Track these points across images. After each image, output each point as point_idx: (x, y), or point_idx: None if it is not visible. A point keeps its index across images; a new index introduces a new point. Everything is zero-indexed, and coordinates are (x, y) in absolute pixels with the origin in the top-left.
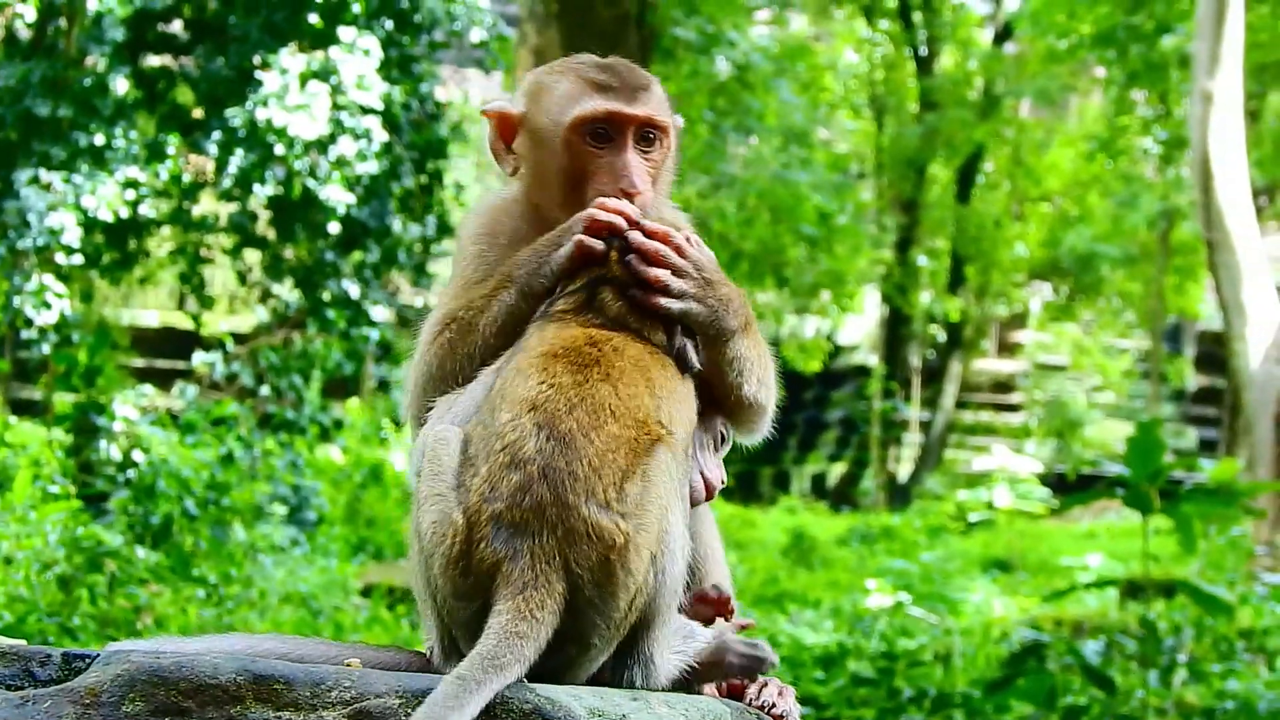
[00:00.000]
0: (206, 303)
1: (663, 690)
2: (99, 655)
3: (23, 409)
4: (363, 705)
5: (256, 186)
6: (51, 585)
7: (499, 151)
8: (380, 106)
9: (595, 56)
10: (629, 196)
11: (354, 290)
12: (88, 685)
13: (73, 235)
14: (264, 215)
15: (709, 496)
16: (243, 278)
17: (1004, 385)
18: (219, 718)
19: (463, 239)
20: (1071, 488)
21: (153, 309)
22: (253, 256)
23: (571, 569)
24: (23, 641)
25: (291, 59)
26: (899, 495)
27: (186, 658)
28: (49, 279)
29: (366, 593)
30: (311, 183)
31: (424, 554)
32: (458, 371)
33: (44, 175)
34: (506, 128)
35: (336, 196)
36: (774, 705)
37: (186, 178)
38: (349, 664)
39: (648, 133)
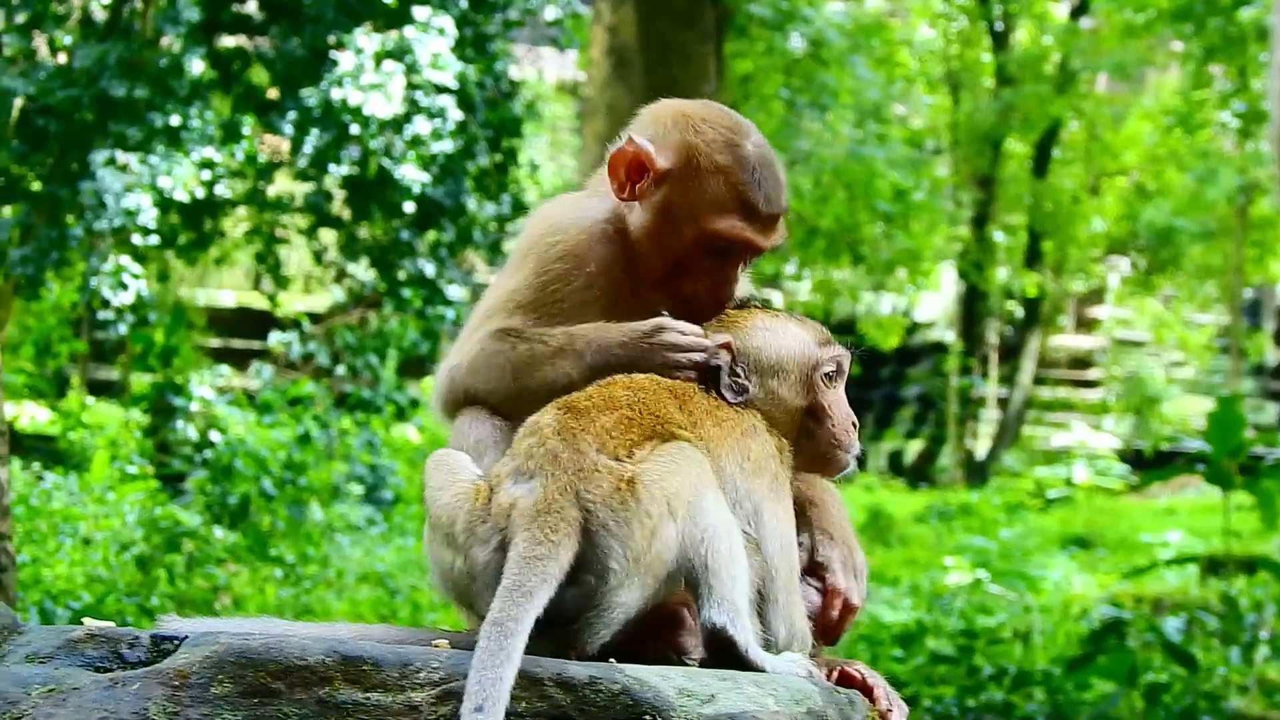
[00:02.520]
0: (282, 283)
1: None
2: (188, 637)
3: (100, 390)
4: (451, 686)
5: (332, 166)
6: (130, 565)
7: (619, 177)
8: (455, 85)
9: (753, 147)
10: (719, 308)
11: (429, 269)
12: (177, 667)
13: (149, 216)
14: (339, 195)
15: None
16: (318, 257)
17: (1082, 361)
18: (308, 699)
19: (546, 242)
20: (1150, 464)
21: (228, 289)
22: (328, 236)
23: (583, 496)
24: (111, 624)
25: (366, 38)
26: (977, 472)
27: (275, 639)
28: (125, 260)
29: None
30: (386, 162)
31: (446, 524)
32: (493, 393)
33: (120, 156)
34: (638, 169)
35: (411, 176)
36: (890, 710)
37: (262, 158)
38: (436, 645)
39: (764, 254)
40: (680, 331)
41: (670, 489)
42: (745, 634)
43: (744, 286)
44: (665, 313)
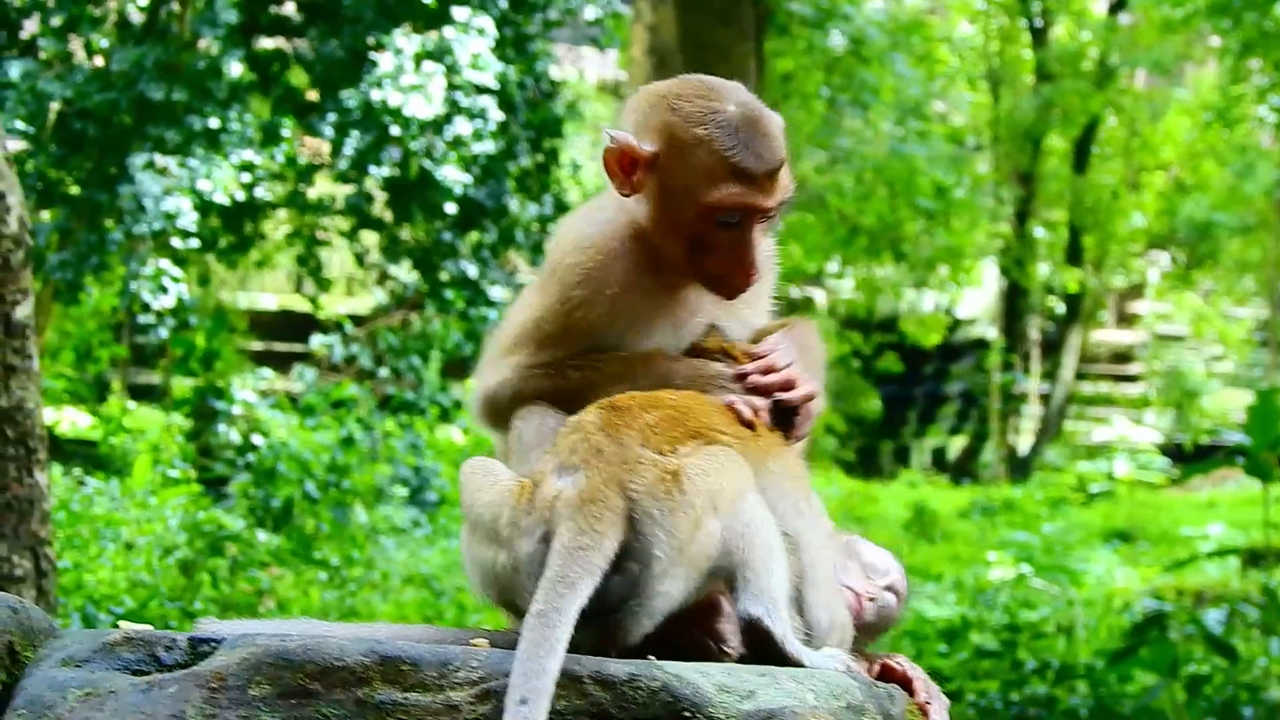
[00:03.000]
0: (324, 285)
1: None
2: (225, 639)
3: (142, 394)
4: (490, 685)
5: (372, 168)
6: (173, 570)
7: (615, 174)
8: (495, 86)
9: (734, 108)
10: (747, 278)
11: (472, 270)
12: (214, 669)
13: (188, 219)
14: (380, 197)
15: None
16: (360, 259)
17: (1123, 356)
18: (346, 700)
19: (566, 265)
20: (1191, 457)
21: (270, 292)
22: (370, 238)
23: (628, 487)
24: (149, 626)
25: (405, 40)
26: (1019, 467)
27: (313, 640)
28: (165, 263)
29: None
30: (428, 163)
31: (489, 521)
32: (529, 420)
33: (159, 160)
34: (628, 162)
35: (453, 177)
36: (930, 701)
37: (302, 160)
38: (475, 644)
39: (773, 212)
40: (729, 379)
41: (713, 485)
42: (783, 626)
43: (767, 252)
44: (719, 353)
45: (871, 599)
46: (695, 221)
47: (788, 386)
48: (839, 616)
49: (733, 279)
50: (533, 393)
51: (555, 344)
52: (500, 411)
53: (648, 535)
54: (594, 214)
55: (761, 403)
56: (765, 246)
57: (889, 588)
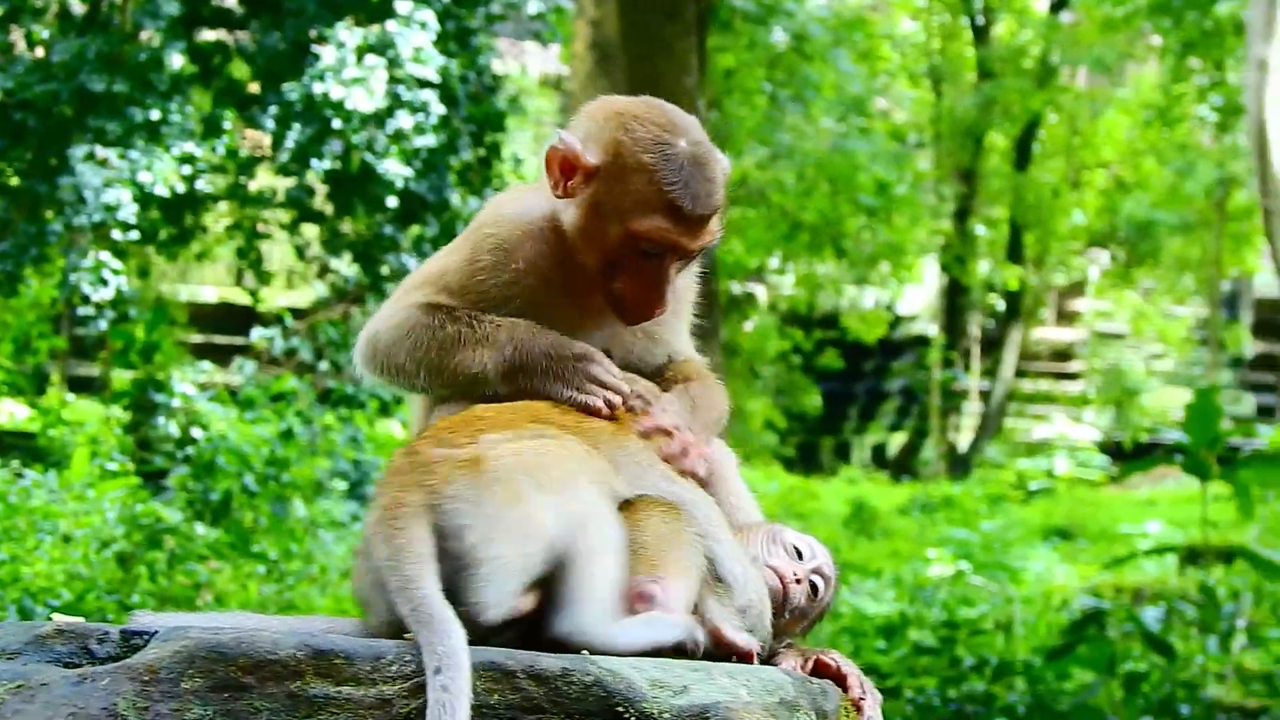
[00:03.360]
0: (264, 278)
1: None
2: (157, 632)
3: (81, 386)
4: (424, 680)
5: (314, 161)
6: (110, 563)
7: (554, 174)
8: (437, 80)
9: (685, 145)
10: (650, 310)
11: (412, 264)
12: (146, 662)
13: (129, 211)
14: (321, 190)
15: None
16: (301, 252)
17: (1063, 354)
18: (279, 693)
19: (483, 233)
20: (1130, 455)
21: (210, 285)
22: (310, 231)
23: (423, 483)
24: (80, 619)
25: (348, 32)
26: (959, 464)
27: (246, 633)
28: (106, 255)
29: None
30: (369, 157)
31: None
32: (408, 363)
33: (100, 151)
34: (569, 167)
35: (394, 170)
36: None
37: (243, 153)
38: (408, 638)
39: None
40: (607, 369)
41: (527, 463)
42: (600, 634)
43: (688, 286)
44: (606, 352)
45: (799, 580)
46: (618, 243)
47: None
48: (752, 578)
49: (636, 307)
50: (411, 339)
51: (450, 295)
52: (378, 349)
53: (451, 512)
54: (524, 196)
55: (616, 399)
56: (686, 277)
57: (816, 570)
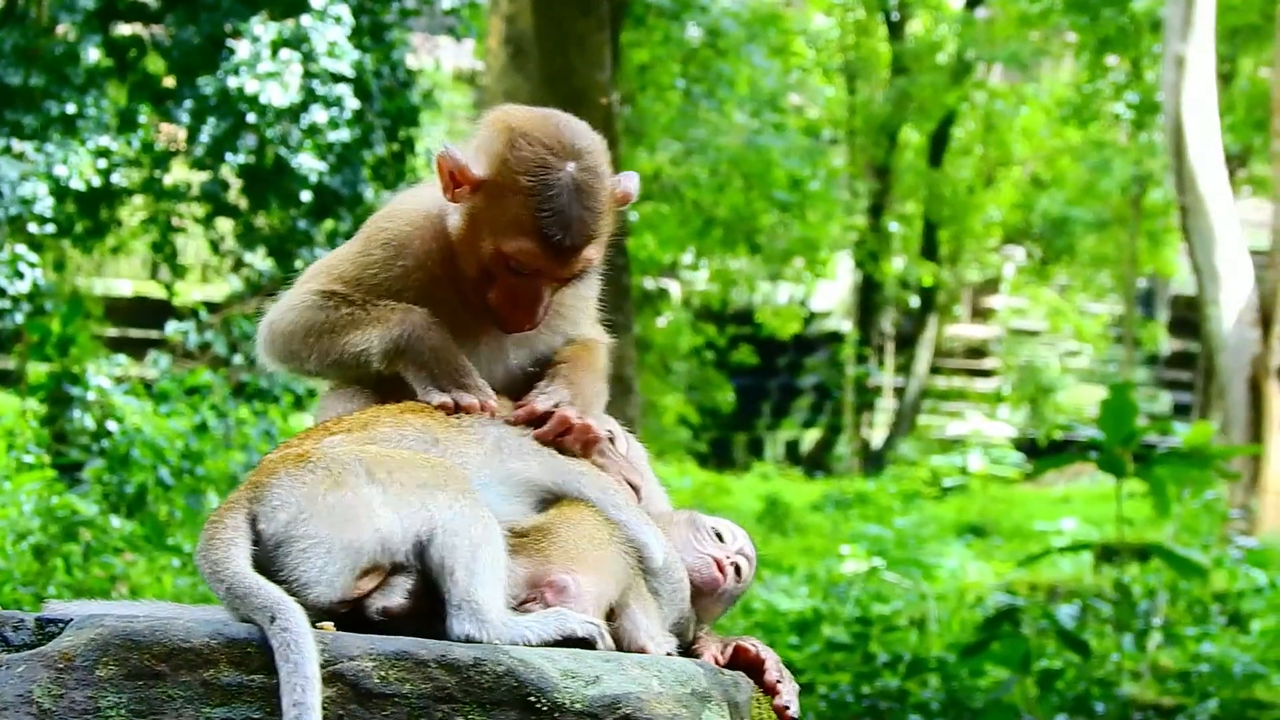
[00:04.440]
0: (179, 272)
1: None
2: (72, 620)
3: None
4: (335, 668)
5: (228, 155)
6: (26, 555)
7: (443, 180)
8: (352, 74)
9: (568, 172)
10: (521, 325)
11: None
12: (61, 649)
13: (45, 204)
14: (236, 184)
15: None
16: (215, 246)
17: (977, 350)
18: (193, 681)
19: (377, 226)
20: (1045, 452)
21: (125, 278)
22: (225, 225)
23: (253, 478)
24: None
25: (263, 27)
26: (873, 461)
27: (160, 621)
28: (21, 248)
29: None
30: (283, 151)
31: None
32: (302, 349)
33: (15, 145)
34: (456, 180)
35: (308, 164)
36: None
37: (158, 146)
38: (321, 626)
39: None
40: (479, 387)
41: (369, 457)
42: (493, 628)
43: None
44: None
45: (733, 562)
46: (490, 258)
47: (561, 430)
48: (674, 564)
49: (507, 320)
50: (306, 323)
51: (344, 284)
52: (275, 335)
53: (268, 498)
54: (420, 193)
55: (469, 399)
56: (580, 303)
57: (739, 551)
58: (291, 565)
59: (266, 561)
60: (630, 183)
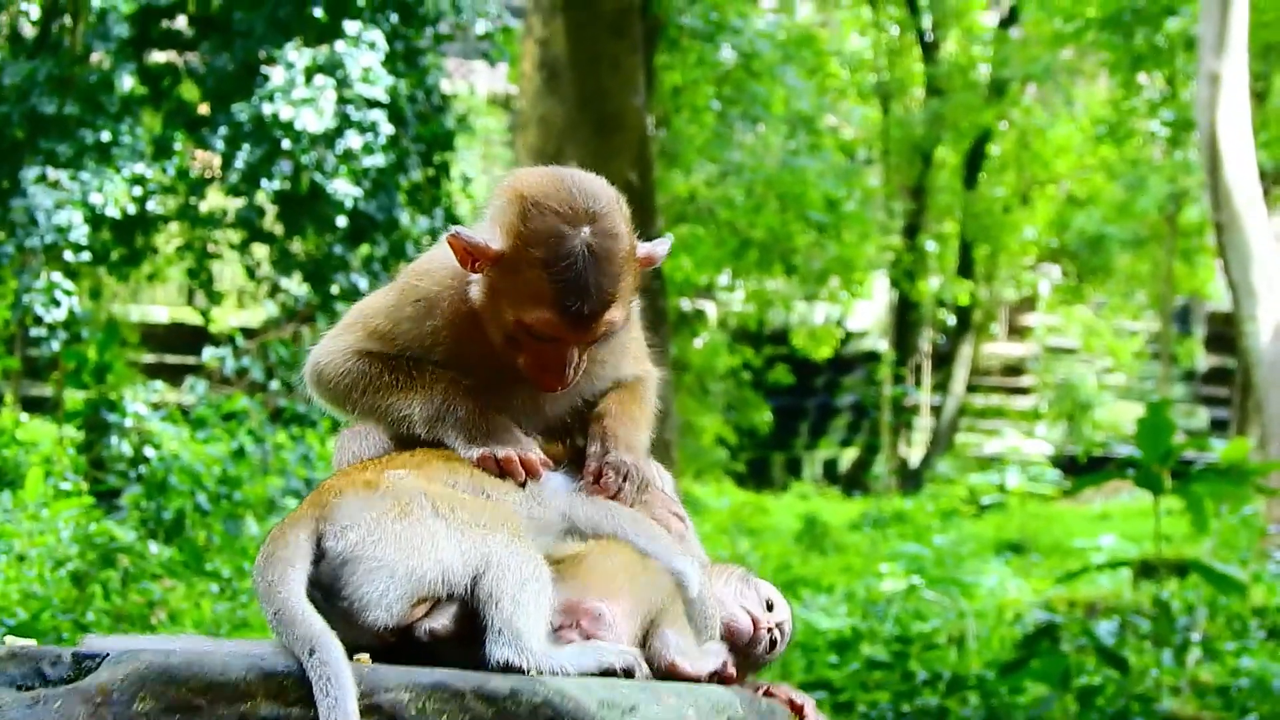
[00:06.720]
0: (215, 298)
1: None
2: (109, 655)
3: (33, 406)
4: (374, 700)
5: (263, 181)
6: (65, 582)
7: (460, 257)
8: (386, 100)
9: (581, 239)
10: (553, 386)
11: (362, 283)
12: (99, 684)
13: (80, 232)
14: (271, 210)
15: None
16: (251, 272)
17: (1014, 369)
18: (229, 715)
19: (410, 283)
20: (1083, 469)
21: (162, 305)
22: (261, 251)
23: (318, 501)
24: (33, 642)
25: (297, 53)
26: (911, 480)
27: (196, 655)
28: (57, 276)
29: None
30: (318, 177)
31: None
32: (344, 401)
33: (51, 173)
34: (472, 257)
35: (344, 190)
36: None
37: (193, 173)
38: (359, 659)
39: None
40: (521, 442)
41: (434, 492)
42: (533, 657)
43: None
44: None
45: (770, 630)
46: (512, 327)
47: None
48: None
49: (539, 382)
50: (350, 379)
51: (380, 340)
52: (321, 380)
53: (337, 517)
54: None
55: (507, 452)
56: (617, 357)
57: (779, 625)
58: (355, 585)
59: (328, 579)
60: (660, 248)
